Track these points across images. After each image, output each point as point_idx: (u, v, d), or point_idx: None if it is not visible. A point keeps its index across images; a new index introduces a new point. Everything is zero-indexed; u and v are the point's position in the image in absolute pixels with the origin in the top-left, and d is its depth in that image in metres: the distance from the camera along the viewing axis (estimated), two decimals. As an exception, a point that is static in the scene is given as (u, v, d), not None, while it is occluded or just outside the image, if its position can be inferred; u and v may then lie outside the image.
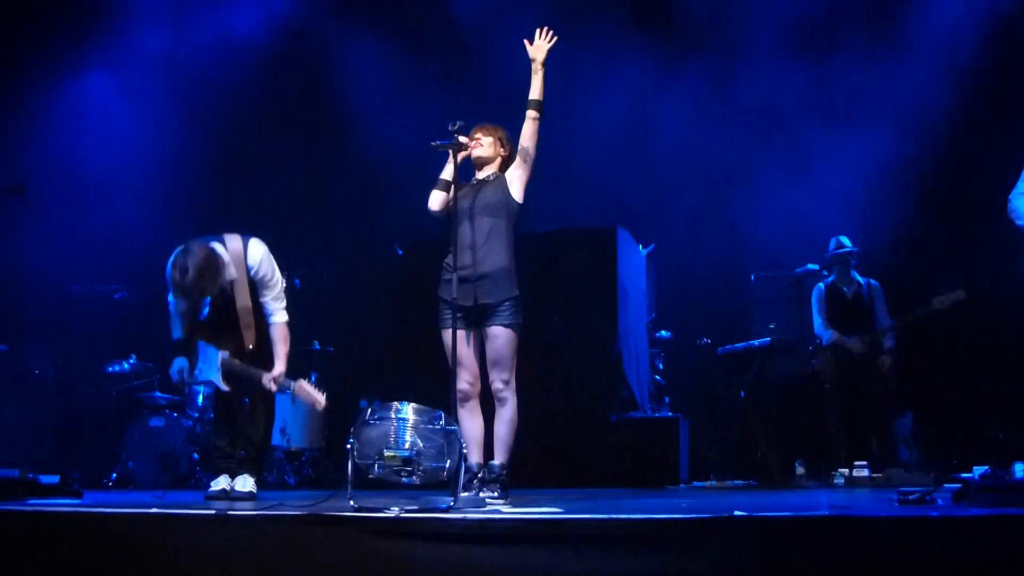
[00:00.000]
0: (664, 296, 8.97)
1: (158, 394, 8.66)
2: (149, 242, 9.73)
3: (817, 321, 8.00)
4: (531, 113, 5.20)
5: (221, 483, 5.60)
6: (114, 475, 8.01)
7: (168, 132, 10.04)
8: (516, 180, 5.22)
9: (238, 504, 4.91)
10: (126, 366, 8.60)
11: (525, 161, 5.21)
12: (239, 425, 5.74)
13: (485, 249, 5.08)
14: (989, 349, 8.06)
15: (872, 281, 8.03)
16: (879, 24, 8.89)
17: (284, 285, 5.79)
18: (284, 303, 5.73)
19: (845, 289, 8.01)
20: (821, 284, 8.09)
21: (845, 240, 8.06)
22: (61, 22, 9.78)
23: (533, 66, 5.21)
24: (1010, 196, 5.54)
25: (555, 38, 5.19)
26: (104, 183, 9.67)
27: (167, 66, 10.11)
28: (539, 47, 5.19)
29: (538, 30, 5.21)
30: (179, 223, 9.88)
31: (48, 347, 9.19)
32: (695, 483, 7.56)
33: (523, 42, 5.22)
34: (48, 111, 9.73)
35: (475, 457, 5.08)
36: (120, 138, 9.91)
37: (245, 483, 5.57)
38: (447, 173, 5.23)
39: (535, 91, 5.21)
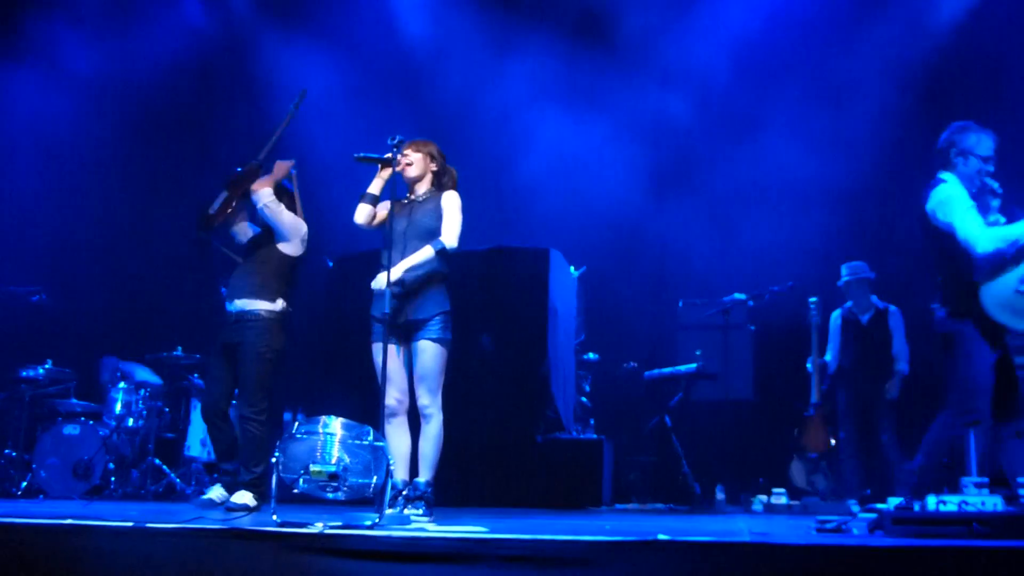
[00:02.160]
0: (593, 319, 9.05)
1: (74, 401, 8.49)
2: (70, 246, 9.62)
3: (833, 351, 8.03)
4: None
5: (214, 491, 5.61)
6: (24, 484, 7.80)
7: (93, 138, 9.88)
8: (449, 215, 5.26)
9: (230, 513, 4.87)
10: (41, 371, 8.38)
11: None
12: (241, 454, 5.71)
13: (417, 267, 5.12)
14: (909, 384, 8.25)
15: (891, 307, 8.06)
16: (811, 54, 9.09)
17: None
18: None
19: (862, 317, 8.06)
20: (838, 311, 8.08)
21: (861, 265, 8.05)
22: None
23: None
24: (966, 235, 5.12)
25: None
26: (25, 185, 9.46)
27: (94, 71, 9.96)
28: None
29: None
30: (102, 228, 9.75)
31: None
32: (617, 505, 7.63)
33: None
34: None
35: (401, 474, 5.08)
36: (43, 141, 9.72)
37: (243, 496, 5.48)
38: (374, 187, 5.28)
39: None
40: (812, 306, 8.14)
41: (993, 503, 3.84)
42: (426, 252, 5.12)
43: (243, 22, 10.41)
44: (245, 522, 3.82)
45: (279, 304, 5.83)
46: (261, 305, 5.80)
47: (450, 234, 5.18)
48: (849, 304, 8.09)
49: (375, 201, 5.25)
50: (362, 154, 5.13)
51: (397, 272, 5.01)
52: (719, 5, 9.45)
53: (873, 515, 4.41)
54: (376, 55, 10.02)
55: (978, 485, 5.15)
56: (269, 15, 10.32)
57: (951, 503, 3.88)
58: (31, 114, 9.74)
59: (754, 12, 9.28)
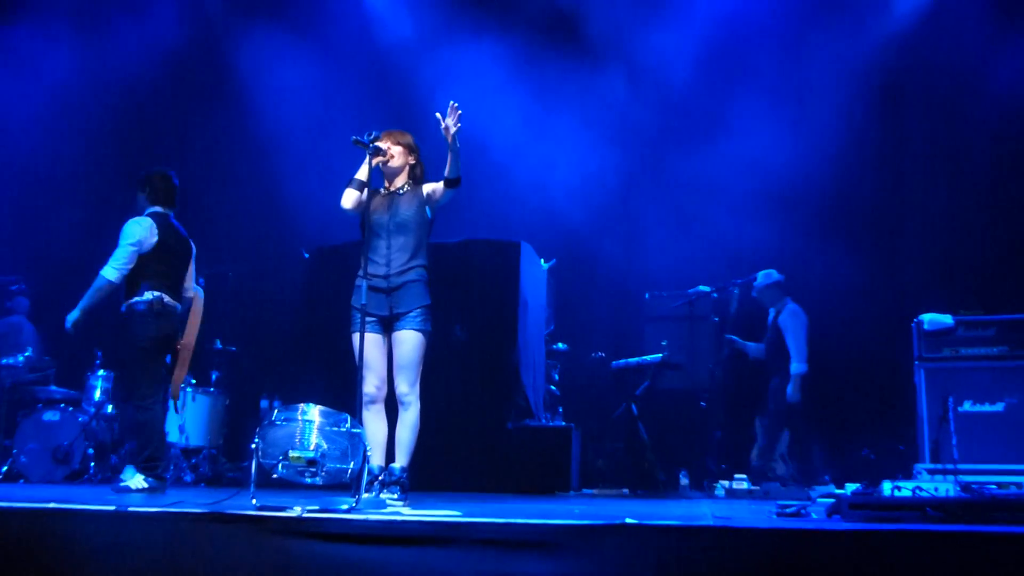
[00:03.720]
0: (562, 310, 9.08)
1: (54, 388, 8.44)
2: (52, 237, 9.52)
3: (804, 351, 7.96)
4: (446, 187, 5.19)
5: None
6: (4, 468, 7.74)
7: (76, 131, 9.80)
8: (430, 204, 5.27)
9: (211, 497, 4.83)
10: (20, 359, 8.32)
11: (434, 206, 5.28)
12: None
13: (400, 262, 5.14)
14: (861, 375, 8.35)
15: (792, 307, 8.10)
16: (773, 56, 9.16)
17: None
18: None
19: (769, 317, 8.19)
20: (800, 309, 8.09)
21: (774, 272, 8.16)
22: None
23: (449, 144, 5.10)
24: None
25: (459, 111, 5.05)
26: (9, 177, 9.37)
27: (79, 65, 9.87)
28: (448, 129, 5.06)
29: (450, 106, 5.08)
30: (85, 219, 9.66)
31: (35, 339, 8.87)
32: (585, 490, 7.67)
33: (436, 119, 5.09)
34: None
35: (377, 460, 5.08)
36: (29, 134, 9.62)
37: (133, 479, 5.62)
38: (362, 173, 5.25)
39: (451, 169, 5.15)
40: (732, 293, 8.26)
41: (946, 489, 3.91)
42: None
43: (216, 20, 10.36)
44: (226, 505, 3.81)
45: (146, 296, 5.79)
46: (131, 300, 5.84)
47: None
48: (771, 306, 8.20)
49: (362, 187, 5.23)
50: (358, 137, 5.10)
51: None
52: (684, 7, 9.48)
53: (831, 500, 4.48)
54: (349, 51, 10.02)
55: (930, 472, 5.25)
56: (241, 14, 10.26)
57: (906, 489, 3.94)
58: (5, 114, 9.63)
59: (718, 14, 9.35)
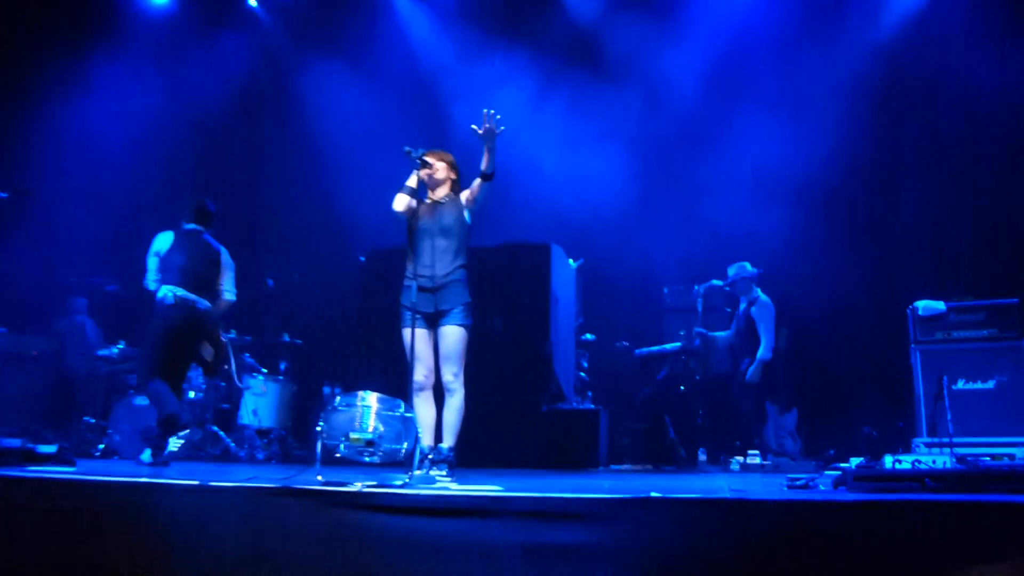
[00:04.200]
0: (590, 304, 9.05)
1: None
2: (139, 244, 9.64)
3: (772, 340, 7.90)
4: (483, 181, 5.19)
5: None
6: (101, 447, 7.84)
7: (159, 148, 9.95)
8: (468, 210, 5.29)
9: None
10: (115, 350, 8.43)
11: (477, 204, 5.27)
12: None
13: (444, 264, 5.15)
14: (862, 358, 8.25)
15: (761, 298, 8.02)
16: (776, 73, 9.06)
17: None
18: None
19: (741, 307, 8.11)
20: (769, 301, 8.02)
21: (747, 265, 8.09)
22: (73, 48, 9.66)
23: (486, 145, 5.09)
24: None
25: (498, 117, 5.04)
26: (102, 190, 9.52)
27: (163, 92, 10.03)
28: (489, 131, 5.06)
29: (485, 112, 5.07)
30: (167, 228, 9.78)
31: (46, 331, 9.00)
32: (612, 466, 7.63)
33: (472, 128, 5.07)
34: (58, 125, 9.59)
35: (427, 440, 5.08)
36: (117, 151, 9.79)
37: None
38: (412, 181, 5.27)
39: (487, 165, 5.14)
40: (696, 293, 8.26)
41: (943, 461, 3.84)
42: None
43: (279, 53, 10.49)
44: (295, 481, 3.82)
45: (162, 291, 6.07)
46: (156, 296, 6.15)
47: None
48: (742, 299, 8.11)
49: (412, 193, 5.25)
50: (409, 148, 5.10)
51: None
52: (692, 28, 9.42)
53: (837, 473, 4.41)
54: (395, 75, 10.08)
55: (927, 445, 5.14)
56: (301, 47, 10.38)
57: (906, 462, 3.87)
58: (102, 132, 9.79)
59: (723, 33, 9.27)
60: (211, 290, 6.24)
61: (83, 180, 9.48)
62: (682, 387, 8.18)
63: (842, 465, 5.36)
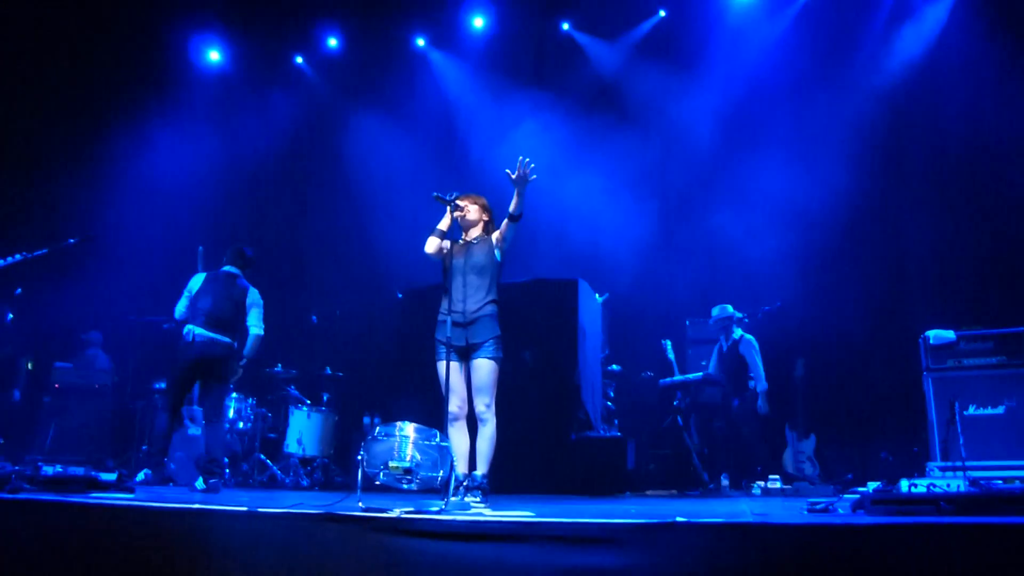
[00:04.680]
0: (615, 337, 9.01)
1: (196, 407, 8.56)
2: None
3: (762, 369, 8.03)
4: (510, 222, 5.21)
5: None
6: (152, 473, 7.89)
7: (213, 195, 10.13)
8: (500, 249, 5.30)
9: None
10: (171, 384, 8.50)
11: (506, 243, 5.29)
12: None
13: (475, 300, 5.15)
14: (876, 385, 8.14)
15: (745, 336, 8.14)
16: (795, 117, 9.06)
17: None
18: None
19: (725, 345, 8.21)
20: (753, 338, 8.09)
21: (729, 307, 8.23)
22: (136, 106, 9.94)
23: (517, 189, 5.12)
24: None
25: (532, 165, 5.08)
26: (160, 235, 9.70)
27: (217, 143, 10.27)
28: (521, 177, 5.10)
29: (519, 159, 5.12)
30: (217, 268, 9.93)
31: (108, 366, 9.14)
32: (639, 492, 7.54)
33: (506, 172, 5.11)
34: (122, 176, 9.83)
35: (462, 468, 5.06)
36: (175, 199, 10.00)
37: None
38: (443, 224, 5.30)
39: (516, 207, 5.16)
40: (665, 345, 8.45)
41: (957, 485, 3.76)
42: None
43: (324, 105, 10.70)
44: (337, 507, 3.82)
45: (184, 329, 6.42)
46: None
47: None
48: (721, 336, 8.28)
49: (443, 235, 5.29)
50: (437, 194, 5.16)
51: None
52: (709, 76, 9.48)
53: (855, 497, 4.33)
54: (430, 124, 10.25)
55: (941, 469, 5.04)
56: (344, 98, 10.58)
57: (921, 486, 3.80)
58: (161, 182, 10.01)
59: (736, 82, 9.31)
60: (237, 328, 6.52)
61: (143, 226, 9.67)
62: (679, 418, 8.11)
63: (860, 489, 5.25)
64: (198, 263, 6.93)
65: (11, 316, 8.29)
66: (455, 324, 5.06)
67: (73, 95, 9.66)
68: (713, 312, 8.27)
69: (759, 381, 7.94)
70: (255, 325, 6.60)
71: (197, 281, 6.54)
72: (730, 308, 8.20)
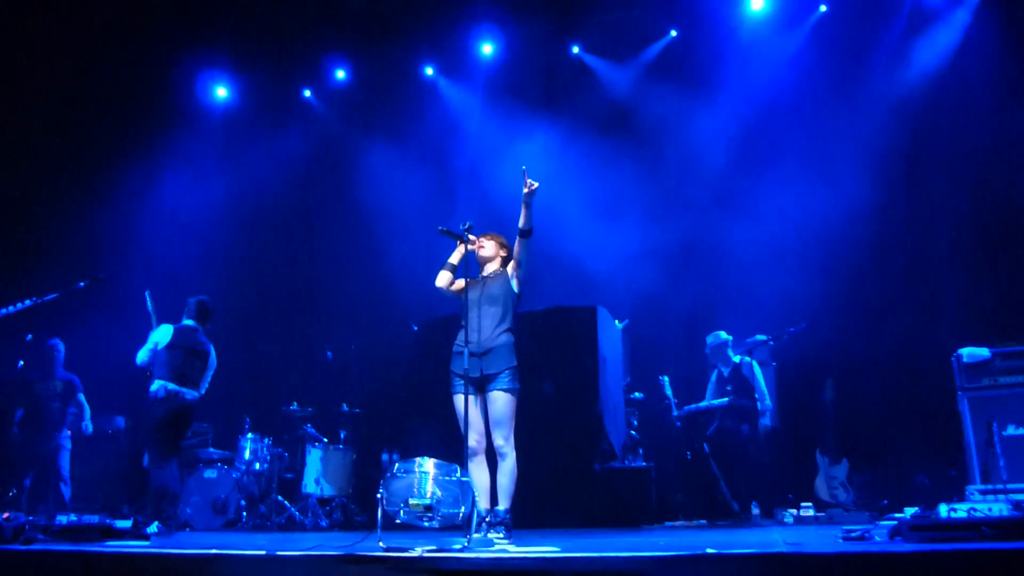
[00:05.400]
0: (637, 363, 8.96)
1: (212, 450, 8.62)
2: (212, 322, 9.87)
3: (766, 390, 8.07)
4: (521, 238, 5.26)
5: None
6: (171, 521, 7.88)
7: (224, 232, 10.23)
8: (516, 278, 5.34)
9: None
10: (186, 426, 8.52)
11: (521, 267, 5.32)
12: None
13: (490, 331, 5.17)
14: (909, 406, 8.05)
15: (745, 359, 8.13)
16: (814, 133, 9.05)
17: None
18: None
19: (724, 371, 8.21)
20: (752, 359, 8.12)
21: (722, 334, 8.25)
22: (144, 144, 10.08)
23: (523, 201, 5.20)
24: None
25: (530, 180, 5.17)
26: (171, 272, 9.77)
27: (227, 179, 10.40)
28: (531, 191, 5.17)
29: (523, 170, 5.20)
30: (230, 306, 9.99)
31: (120, 411, 9.16)
32: (667, 523, 7.46)
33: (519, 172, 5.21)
34: (132, 215, 9.95)
35: (483, 503, 5.03)
36: (186, 236, 10.11)
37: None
38: (454, 258, 5.35)
39: (525, 221, 5.22)
40: (663, 381, 8.39)
41: (999, 508, 3.69)
42: None
43: (334, 137, 10.81)
44: (358, 548, 3.81)
45: (154, 385, 6.63)
46: (149, 389, 6.70)
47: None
48: (718, 363, 8.28)
49: (454, 269, 5.33)
50: (445, 228, 5.20)
51: None
52: (722, 96, 9.50)
53: (892, 523, 4.26)
54: (442, 153, 10.28)
55: (982, 492, 4.96)
56: (354, 130, 10.72)
57: (961, 510, 3.73)
58: (172, 219, 10.13)
59: (752, 101, 9.32)
60: (197, 383, 6.83)
61: (154, 264, 9.75)
62: (706, 445, 8.04)
63: (897, 515, 5.18)
64: (147, 307, 7.10)
65: (21, 363, 8.34)
66: (472, 355, 5.06)
67: (78, 136, 9.81)
68: (708, 341, 8.32)
69: (763, 399, 7.95)
70: (204, 387, 6.94)
71: (166, 334, 6.76)
72: (723, 334, 8.26)
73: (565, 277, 9.12)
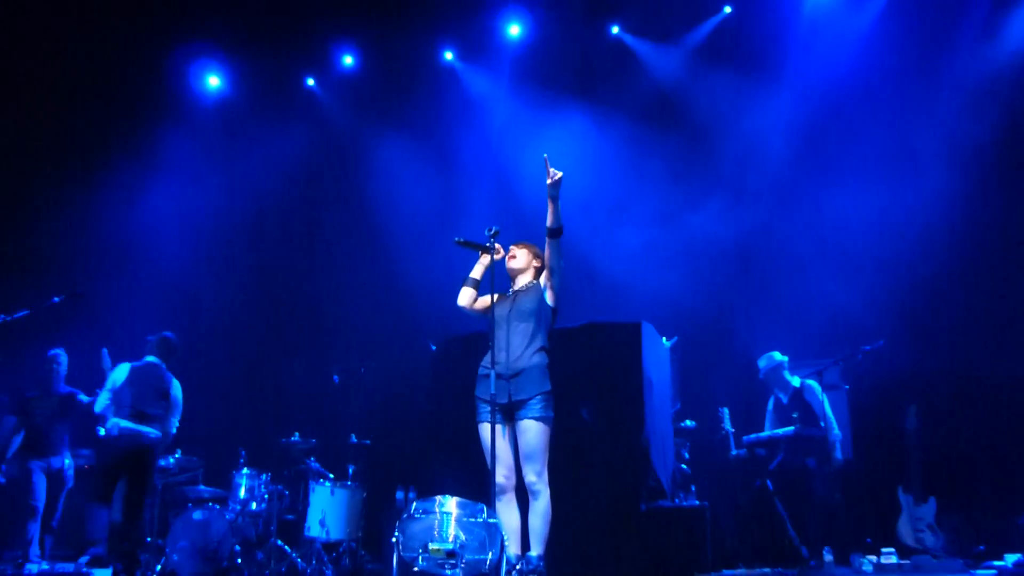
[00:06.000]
0: (687, 387, 8.85)
1: (202, 488, 8.58)
2: (196, 343, 9.88)
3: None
4: (550, 239, 5.28)
5: None
6: (159, 568, 7.86)
7: (218, 239, 10.30)
8: (550, 289, 5.30)
9: None
10: (171, 460, 8.48)
11: (555, 275, 5.29)
12: None
13: (519, 350, 5.12)
14: (1006, 437, 7.91)
15: (806, 382, 8.07)
16: (890, 129, 8.94)
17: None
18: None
19: (782, 397, 8.19)
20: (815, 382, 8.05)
21: (776, 355, 8.24)
22: (129, 141, 10.17)
23: (549, 195, 5.25)
24: None
25: (559, 175, 5.23)
26: (159, 284, 9.83)
27: (221, 179, 10.46)
28: (554, 181, 5.22)
29: (544, 158, 5.25)
30: (223, 323, 10.03)
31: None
32: (725, 571, 7.34)
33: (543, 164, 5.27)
34: (116, 221, 10.04)
35: (513, 548, 4.96)
36: (175, 244, 10.17)
37: None
38: (476, 272, 5.32)
39: (553, 219, 5.26)
40: (722, 413, 8.33)
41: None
42: None
43: (342, 132, 10.84)
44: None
45: (109, 424, 7.05)
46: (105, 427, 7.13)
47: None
48: (775, 389, 8.29)
49: (476, 285, 5.29)
50: (462, 239, 5.15)
51: None
52: (784, 82, 9.47)
53: (992, 572, 4.14)
54: (464, 147, 10.24)
55: None
56: (365, 124, 10.78)
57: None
58: (160, 224, 10.18)
59: (819, 86, 9.27)
60: (162, 421, 7.19)
61: (141, 276, 9.82)
62: (769, 481, 7.94)
63: (996, 563, 5.05)
64: (104, 364, 7.45)
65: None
66: (498, 377, 4.99)
67: (56, 138, 9.89)
68: (760, 364, 8.31)
69: (830, 428, 7.87)
70: (174, 425, 7.33)
71: (121, 373, 7.09)
72: (777, 355, 8.25)
73: (603, 288, 9.08)
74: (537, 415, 5.04)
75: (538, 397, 5.07)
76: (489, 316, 5.15)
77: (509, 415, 5.09)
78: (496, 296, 5.23)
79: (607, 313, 8.21)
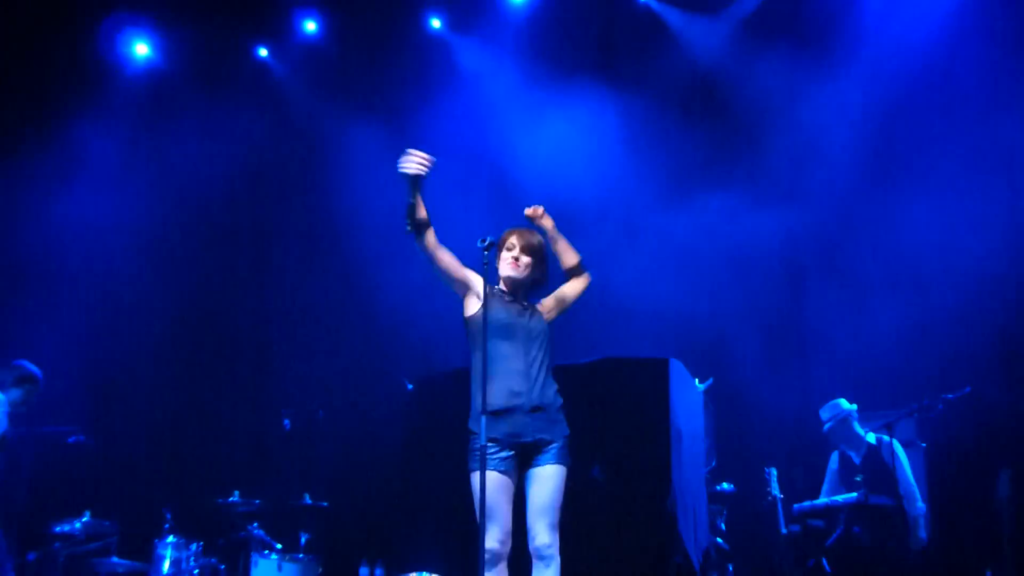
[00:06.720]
0: (725, 441, 8.88)
1: (116, 560, 8.53)
2: (112, 376, 9.87)
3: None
4: (575, 275, 5.56)
5: None
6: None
7: (135, 252, 10.34)
8: (550, 313, 5.45)
9: None
10: (78, 525, 8.44)
11: (562, 309, 5.51)
12: None
13: (543, 381, 5.16)
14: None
15: (885, 437, 8.05)
16: (980, 129, 9.03)
17: None
18: None
19: (854, 456, 8.26)
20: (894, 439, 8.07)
21: (843, 402, 8.31)
22: (61, 130, 10.19)
23: (550, 232, 5.52)
24: None
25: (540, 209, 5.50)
26: (62, 303, 9.83)
27: (152, 170, 10.51)
28: (543, 222, 5.51)
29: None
30: (144, 354, 10.01)
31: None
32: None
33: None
34: (26, 217, 10.04)
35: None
36: (95, 249, 10.17)
37: None
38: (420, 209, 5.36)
39: (571, 255, 5.57)
40: (769, 474, 8.36)
41: None
42: None
43: (302, 114, 10.89)
44: None
45: None
46: None
47: None
48: (841, 445, 8.41)
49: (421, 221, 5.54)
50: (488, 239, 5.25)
51: None
52: (846, 70, 9.58)
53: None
54: (453, 136, 10.20)
55: None
56: (331, 105, 10.79)
57: None
58: (78, 228, 10.19)
59: (890, 73, 9.42)
60: None
61: (43, 293, 9.82)
62: (825, 560, 7.95)
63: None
64: None
65: None
66: (506, 412, 5.01)
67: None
68: (823, 415, 8.40)
69: (913, 499, 7.91)
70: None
71: None
72: (844, 403, 8.32)
73: (621, 316, 9.12)
74: (563, 460, 5.13)
75: (564, 440, 5.16)
76: (483, 326, 5.14)
77: (525, 460, 5.12)
78: (486, 287, 5.23)
79: (626, 346, 8.28)
